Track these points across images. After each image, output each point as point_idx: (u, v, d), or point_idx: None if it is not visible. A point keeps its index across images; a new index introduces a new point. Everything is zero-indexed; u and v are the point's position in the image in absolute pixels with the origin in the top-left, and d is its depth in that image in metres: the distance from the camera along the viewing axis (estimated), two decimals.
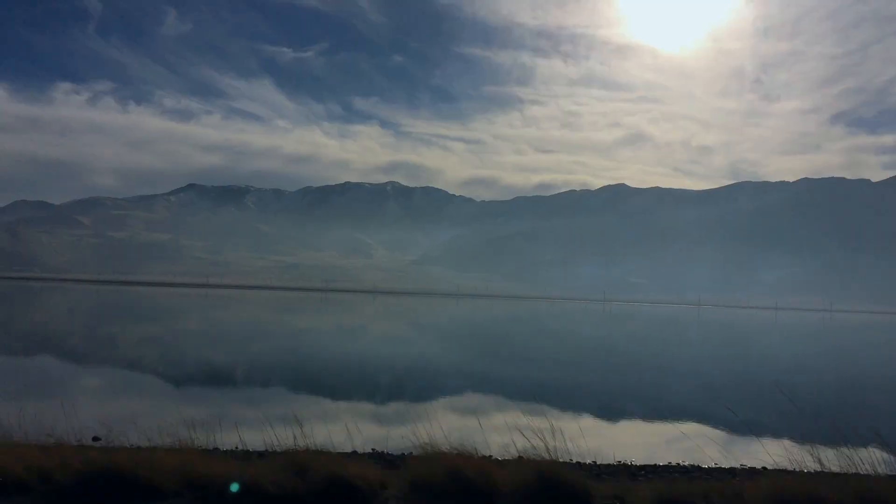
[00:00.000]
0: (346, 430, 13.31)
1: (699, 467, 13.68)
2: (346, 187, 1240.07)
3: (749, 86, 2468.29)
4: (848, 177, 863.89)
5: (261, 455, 11.08)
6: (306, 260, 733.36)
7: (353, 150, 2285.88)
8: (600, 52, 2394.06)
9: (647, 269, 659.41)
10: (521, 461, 9.36)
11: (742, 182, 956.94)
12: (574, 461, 11.08)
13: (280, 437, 10.08)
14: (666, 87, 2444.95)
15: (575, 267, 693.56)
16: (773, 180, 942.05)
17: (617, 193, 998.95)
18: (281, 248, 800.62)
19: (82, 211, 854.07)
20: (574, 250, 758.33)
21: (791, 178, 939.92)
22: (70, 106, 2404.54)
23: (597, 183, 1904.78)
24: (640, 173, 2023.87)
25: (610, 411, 22.91)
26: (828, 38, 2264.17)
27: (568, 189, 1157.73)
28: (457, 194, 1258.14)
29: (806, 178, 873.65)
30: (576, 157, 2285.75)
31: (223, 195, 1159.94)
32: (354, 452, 12.83)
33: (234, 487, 8.18)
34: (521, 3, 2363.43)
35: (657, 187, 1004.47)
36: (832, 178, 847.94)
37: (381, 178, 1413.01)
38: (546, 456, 9.07)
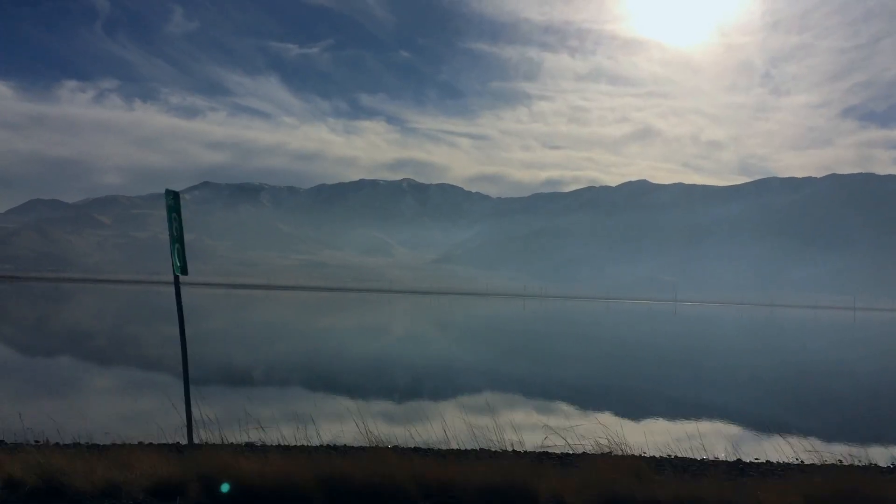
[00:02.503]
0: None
1: None
2: (361, 184, 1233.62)
3: (758, 80, 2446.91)
4: (860, 171, 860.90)
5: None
6: (328, 259, 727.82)
7: (360, 146, 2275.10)
8: (608, 46, 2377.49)
9: (677, 267, 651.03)
10: None
11: (767, 178, 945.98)
12: None
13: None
14: (674, 82, 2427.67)
15: (603, 265, 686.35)
16: (787, 176, 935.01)
17: (638, 189, 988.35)
18: (301, 246, 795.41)
19: (100, 210, 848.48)
20: (599, 248, 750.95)
21: (803, 174, 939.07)
22: (76, 104, 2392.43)
23: (605, 179, 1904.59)
24: (649, 169, 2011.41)
25: None
26: (837, 32, 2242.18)
27: (577, 184, 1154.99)
28: (470, 191, 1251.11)
29: (833, 174, 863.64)
30: (584, 152, 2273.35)
31: (237, 193, 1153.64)
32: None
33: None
34: None
35: (680, 183, 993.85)
36: (860, 173, 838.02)
37: (388, 175, 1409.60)
38: None
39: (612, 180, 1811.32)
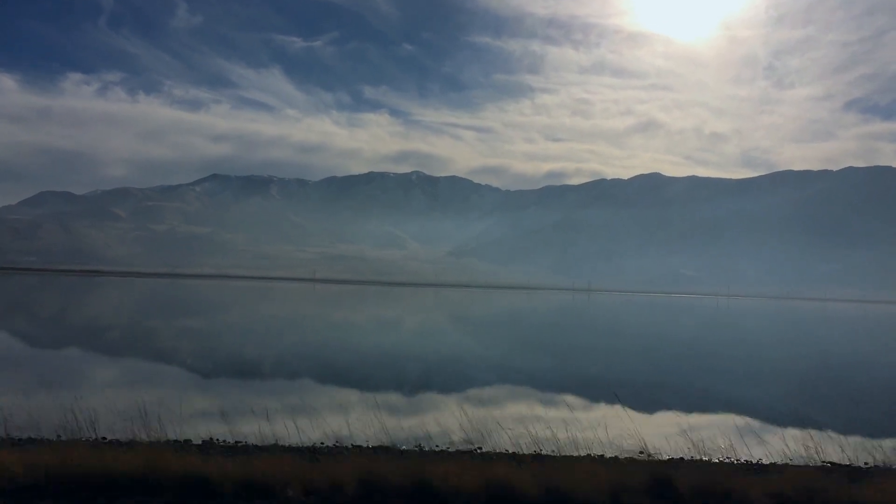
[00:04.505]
0: None
1: None
2: (371, 177, 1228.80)
3: (761, 73, 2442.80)
4: (861, 164, 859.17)
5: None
6: (344, 252, 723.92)
7: (363, 138, 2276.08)
8: (611, 40, 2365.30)
9: (697, 261, 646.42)
10: None
11: (783, 171, 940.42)
12: None
13: None
14: (678, 75, 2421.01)
15: (620, 259, 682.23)
16: (801, 169, 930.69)
17: (651, 182, 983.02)
18: (315, 239, 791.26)
19: (114, 203, 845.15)
20: (615, 241, 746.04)
21: (805, 167, 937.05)
22: (80, 96, 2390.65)
23: (608, 171, 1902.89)
24: (652, 161, 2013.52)
25: None
26: (841, 25, 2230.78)
27: (580, 176, 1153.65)
28: (480, 183, 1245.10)
29: (851, 168, 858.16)
30: (587, 145, 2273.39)
31: (247, 185, 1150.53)
32: None
33: None
34: None
35: (693, 176, 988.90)
36: (876, 167, 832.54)
37: (391, 167, 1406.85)
38: None
39: (616, 172, 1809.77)
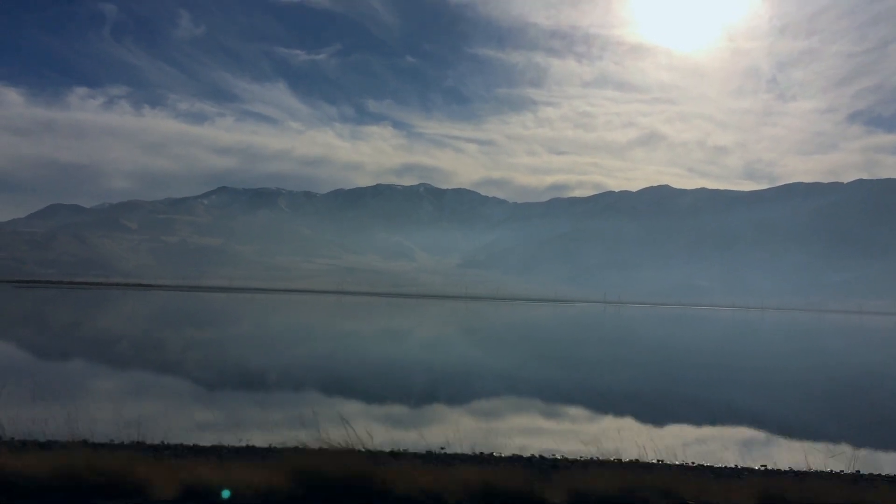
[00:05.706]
0: None
1: None
2: (378, 189, 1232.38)
3: (764, 85, 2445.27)
4: (865, 176, 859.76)
5: None
6: (353, 263, 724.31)
7: (366, 151, 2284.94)
8: (614, 52, 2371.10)
9: (710, 272, 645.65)
10: None
11: (793, 183, 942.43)
12: None
13: None
14: (680, 88, 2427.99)
15: (632, 270, 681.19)
16: (800, 181, 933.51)
17: (660, 194, 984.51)
18: (324, 251, 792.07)
19: (123, 215, 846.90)
20: (626, 253, 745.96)
21: (808, 179, 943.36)
22: (86, 110, 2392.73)
23: (611, 183, 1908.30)
24: (655, 174, 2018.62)
25: None
26: (845, 37, 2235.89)
27: (582, 189, 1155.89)
28: (487, 196, 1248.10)
29: (860, 180, 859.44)
30: (590, 158, 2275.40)
31: (255, 198, 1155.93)
32: None
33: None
34: (535, 3, 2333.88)
35: (703, 188, 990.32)
36: (889, 179, 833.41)
37: (394, 179, 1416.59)
38: None
39: (619, 185, 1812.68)
